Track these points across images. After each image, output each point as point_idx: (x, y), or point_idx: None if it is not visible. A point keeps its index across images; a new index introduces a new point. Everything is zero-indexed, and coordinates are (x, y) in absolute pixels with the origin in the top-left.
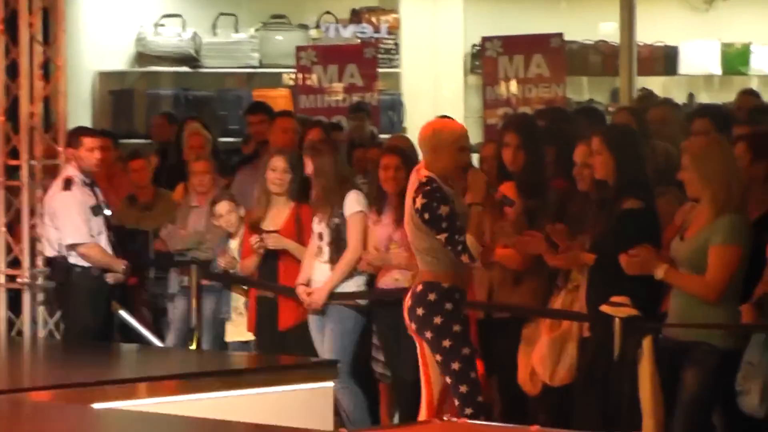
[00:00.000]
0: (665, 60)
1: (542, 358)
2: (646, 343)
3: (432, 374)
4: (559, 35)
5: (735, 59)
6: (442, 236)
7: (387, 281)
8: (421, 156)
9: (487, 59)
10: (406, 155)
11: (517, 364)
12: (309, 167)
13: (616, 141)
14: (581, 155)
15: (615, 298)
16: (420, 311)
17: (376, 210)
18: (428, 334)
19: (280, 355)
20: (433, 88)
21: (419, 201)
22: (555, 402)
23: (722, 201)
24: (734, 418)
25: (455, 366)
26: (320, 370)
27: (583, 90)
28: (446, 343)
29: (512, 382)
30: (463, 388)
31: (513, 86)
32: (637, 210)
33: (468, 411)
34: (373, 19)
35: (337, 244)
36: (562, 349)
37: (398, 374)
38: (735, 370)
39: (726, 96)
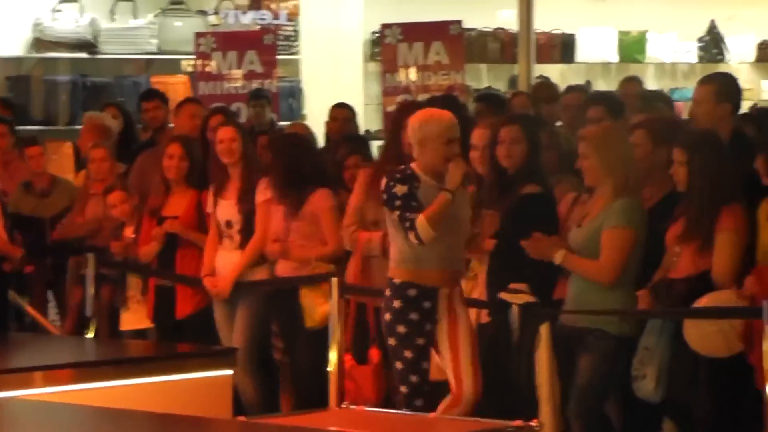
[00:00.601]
0: (563, 47)
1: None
2: (544, 330)
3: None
4: (458, 22)
5: (631, 47)
6: (395, 214)
7: (286, 269)
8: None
9: (386, 46)
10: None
11: None
12: (226, 154)
13: (532, 131)
14: (481, 138)
15: (513, 285)
16: (382, 305)
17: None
18: (383, 329)
19: (178, 343)
20: (333, 75)
21: (383, 183)
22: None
23: (620, 187)
24: (629, 403)
25: (397, 365)
26: (218, 357)
27: (481, 77)
28: (391, 341)
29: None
30: (402, 389)
31: (412, 73)
32: (537, 195)
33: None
34: (273, 6)
35: (249, 232)
36: None
37: (296, 361)
38: (630, 355)
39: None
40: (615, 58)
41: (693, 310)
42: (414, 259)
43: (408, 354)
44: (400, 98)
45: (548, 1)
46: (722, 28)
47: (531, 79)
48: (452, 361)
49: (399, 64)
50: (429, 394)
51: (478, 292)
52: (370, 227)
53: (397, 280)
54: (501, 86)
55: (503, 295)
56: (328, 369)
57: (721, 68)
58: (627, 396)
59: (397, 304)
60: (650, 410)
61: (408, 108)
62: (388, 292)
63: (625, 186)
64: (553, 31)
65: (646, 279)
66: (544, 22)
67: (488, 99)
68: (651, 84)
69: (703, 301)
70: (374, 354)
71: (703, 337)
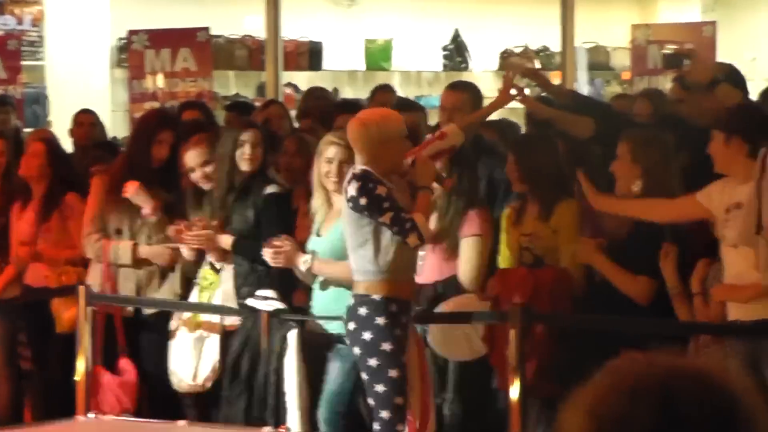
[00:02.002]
0: (310, 55)
1: (184, 357)
2: (292, 336)
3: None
4: (206, 29)
5: (378, 55)
6: (387, 216)
7: (34, 278)
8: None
9: (133, 52)
10: (51, 151)
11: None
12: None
13: (268, 135)
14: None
15: (261, 292)
16: (351, 326)
17: (21, 204)
18: (356, 350)
19: None
20: (79, 82)
21: (352, 188)
22: (204, 396)
23: None
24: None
25: (378, 389)
26: None
27: (229, 84)
28: (372, 362)
29: (161, 378)
30: (384, 414)
31: (160, 80)
32: (279, 194)
33: None
34: (17, 11)
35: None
36: (204, 346)
37: (45, 371)
38: None
39: (369, 91)
40: (362, 66)
41: (442, 314)
42: (390, 270)
43: (394, 374)
44: (147, 105)
45: (295, 9)
46: (466, 37)
47: (279, 86)
48: (422, 390)
49: (146, 70)
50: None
51: (219, 300)
52: (113, 236)
53: (376, 296)
54: (249, 93)
55: (251, 302)
56: (75, 378)
57: (465, 76)
58: None
59: (381, 321)
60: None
61: (157, 117)
62: (364, 310)
63: None
64: (300, 39)
65: None
66: (292, 29)
67: (238, 107)
68: (397, 92)
69: (449, 305)
70: (124, 364)
71: (448, 340)
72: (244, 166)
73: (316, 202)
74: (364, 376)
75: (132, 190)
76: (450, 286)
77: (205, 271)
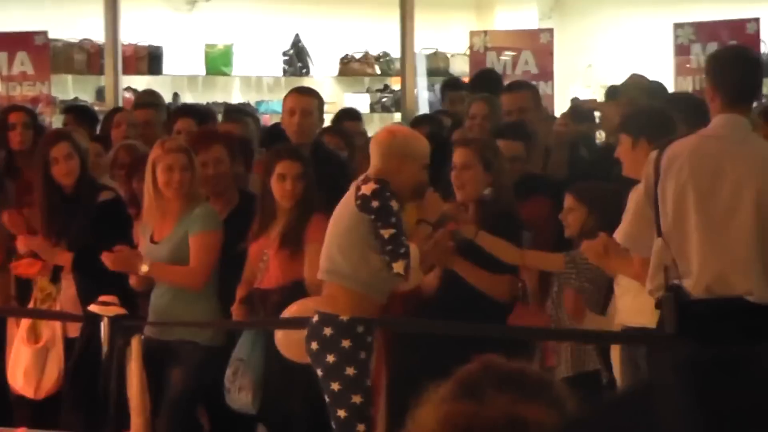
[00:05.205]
0: (150, 59)
1: (25, 373)
2: (135, 343)
3: None
4: (44, 33)
5: (218, 60)
6: (388, 231)
7: None
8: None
9: None
10: None
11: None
12: None
13: (81, 145)
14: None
15: (103, 297)
16: (314, 346)
17: None
18: (319, 372)
19: None
20: None
21: (368, 188)
22: (42, 402)
23: (190, 197)
24: (221, 414)
25: (340, 414)
26: None
27: (68, 88)
28: (334, 386)
29: None
30: None
31: None
32: (113, 201)
33: None
34: None
35: None
36: (46, 360)
37: None
38: (222, 366)
39: (209, 96)
40: (202, 71)
41: (284, 320)
42: (366, 284)
43: (356, 399)
44: None
45: (135, 13)
46: (306, 42)
47: (118, 90)
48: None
49: None
50: None
51: (59, 306)
52: None
53: (344, 318)
54: (88, 98)
55: (93, 308)
56: None
57: (306, 82)
58: (218, 407)
59: (346, 343)
60: (243, 417)
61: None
62: (329, 331)
63: (194, 195)
64: (139, 43)
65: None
66: (131, 33)
67: (77, 110)
68: (237, 97)
69: (292, 309)
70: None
71: (291, 344)
72: (63, 180)
73: (149, 208)
74: (326, 398)
75: None
76: (297, 290)
77: (42, 282)
